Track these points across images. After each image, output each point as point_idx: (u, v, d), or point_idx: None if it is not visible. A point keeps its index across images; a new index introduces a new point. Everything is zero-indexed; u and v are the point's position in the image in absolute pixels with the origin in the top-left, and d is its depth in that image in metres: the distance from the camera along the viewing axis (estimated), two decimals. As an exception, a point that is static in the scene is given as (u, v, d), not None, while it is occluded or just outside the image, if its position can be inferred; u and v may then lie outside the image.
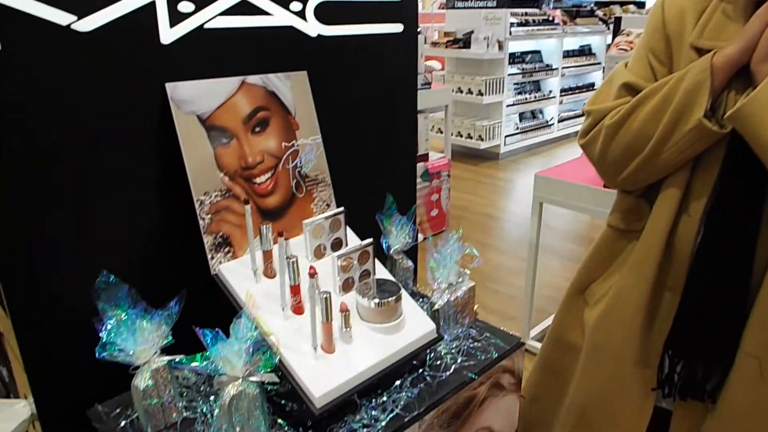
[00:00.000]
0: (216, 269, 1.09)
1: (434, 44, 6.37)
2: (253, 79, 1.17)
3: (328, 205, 1.28)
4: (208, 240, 1.08)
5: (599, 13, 7.25)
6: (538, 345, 2.84)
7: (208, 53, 1.13)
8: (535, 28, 6.31)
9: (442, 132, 5.58)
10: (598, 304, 1.23)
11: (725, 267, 1.02)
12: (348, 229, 1.24)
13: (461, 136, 6.34)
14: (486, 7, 6.09)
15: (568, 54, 6.95)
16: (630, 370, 1.17)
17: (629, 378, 1.18)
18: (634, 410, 1.19)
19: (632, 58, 1.15)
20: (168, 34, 1.07)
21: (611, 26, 7.23)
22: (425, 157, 4.10)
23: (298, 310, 1.05)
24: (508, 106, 6.32)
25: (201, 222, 1.08)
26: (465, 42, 6.08)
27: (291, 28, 1.23)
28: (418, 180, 4.02)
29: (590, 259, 1.28)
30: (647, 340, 1.15)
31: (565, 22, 6.73)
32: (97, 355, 0.89)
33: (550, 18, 6.57)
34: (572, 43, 7.06)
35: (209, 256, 1.08)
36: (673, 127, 1.00)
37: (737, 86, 0.98)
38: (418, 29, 4.72)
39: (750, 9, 0.96)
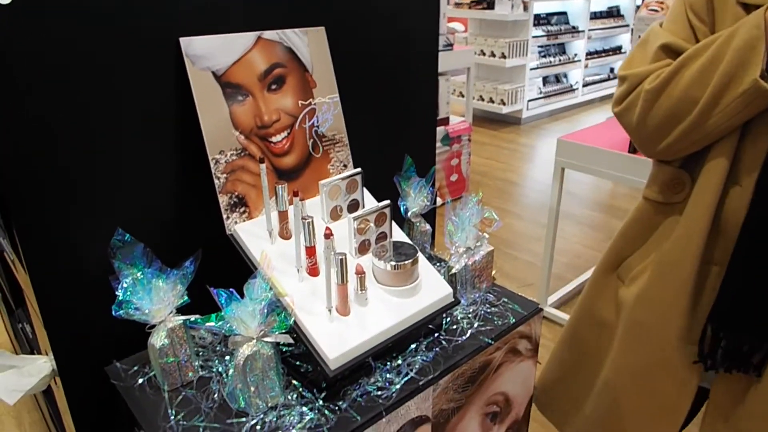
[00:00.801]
0: (231, 229, 1.08)
1: (457, 5, 6.21)
2: (269, 34, 1.14)
3: (345, 166, 1.25)
4: (223, 200, 1.07)
5: (629, -28, 6.98)
6: (556, 312, 2.82)
7: (223, 7, 1.09)
8: (563, -13, 6.11)
9: (463, 96, 5.49)
10: (637, 281, 1.18)
11: None
12: (365, 190, 1.21)
13: (483, 100, 6.22)
14: (512, -34, 5.89)
15: (595, 15, 6.73)
16: (674, 347, 1.13)
17: (673, 356, 1.14)
18: (678, 388, 1.16)
19: (668, 18, 1.07)
20: (182, -13, 1.03)
21: (642, -14, 7.01)
22: (446, 121, 4.04)
23: (313, 271, 1.04)
24: (531, 69, 6.17)
25: (216, 181, 1.06)
26: (489, 2, 5.91)
27: (309, -19, 1.19)
28: (438, 144, 3.97)
29: (624, 234, 1.23)
30: (692, 317, 1.11)
31: (593, -18, 6.50)
32: (113, 313, 0.89)
33: (580, -24, 6.35)
34: (600, 3, 6.82)
35: (224, 216, 1.07)
36: (724, 90, 0.94)
37: None
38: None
39: None
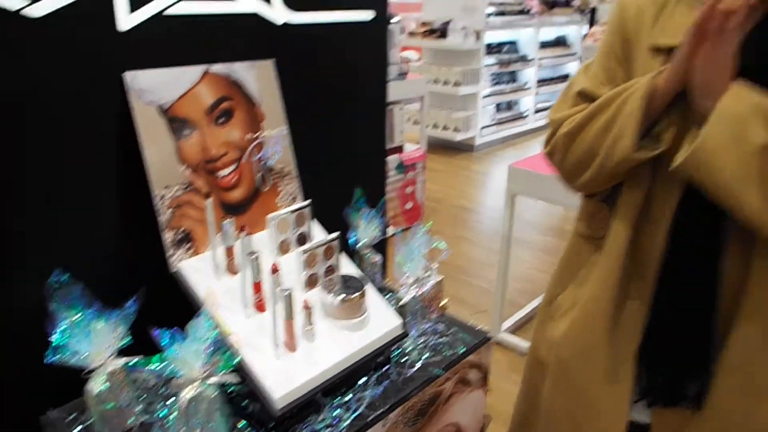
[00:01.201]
0: (176, 266, 1.05)
1: (411, 34, 6.33)
2: (217, 68, 1.14)
3: (295, 199, 1.25)
4: (168, 236, 1.05)
5: (576, 2, 7.27)
6: (510, 338, 2.85)
7: (170, 41, 1.09)
8: (512, 17, 6.31)
9: (417, 123, 5.56)
10: (564, 317, 1.16)
11: (692, 279, 0.98)
12: (315, 223, 1.21)
13: (437, 127, 6.32)
14: (463, -3, 6.06)
15: (544, 44, 6.97)
16: (598, 386, 1.10)
17: (598, 395, 1.10)
18: (606, 429, 1.11)
19: (594, 59, 1.11)
20: (126, 21, 1.03)
21: (587, 16, 7.29)
22: (400, 149, 4.08)
23: (260, 307, 1.02)
24: (484, 97, 6.32)
25: (160, 217, 1.04)
26: (442, 32, 6.05)
27: (256, 15, 1.19)
28: (393, 172, 4.00)
29: (558, 269, 1.23)
30: (615, 355, 1.08)
31: (542, 12, 6.74)
32: (46, 359, 0.85)
33: (527, 8, 6.57)
34: (548, 33, 7.07)
35: (169, 253, 1.05)
36: (611, 152, 0.97)
37: (677, 113, 0.94)
38: (397, 18, 4.67)
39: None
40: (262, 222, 1.17)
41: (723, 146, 0.83)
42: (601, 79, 1.06)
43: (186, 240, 1.08)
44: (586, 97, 1.07)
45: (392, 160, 3.96)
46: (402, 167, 4.09)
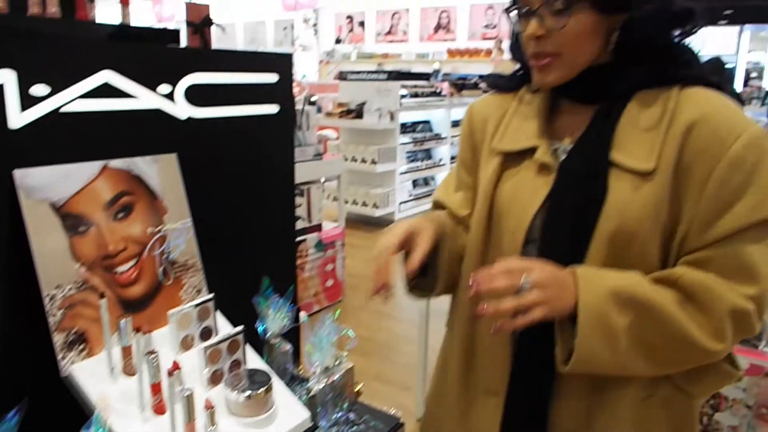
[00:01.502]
0: (67, 370, 1.00)
1: (328, 114, 6.51)
2: (116, 163, 1.13)
3: (199, 291, 1.23)
4: (58, 338, 1.00)
5: (482, 85, 7.78)
6: (433, 414, 2.82)
7: (66, 138, 1.07)
8: (425, 99, 6.64)
9: (337, 200, 5.63)
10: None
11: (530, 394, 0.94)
12: (220, 316, 1.19)
13: (356, 204, 6.42)
14: (377, 80, 6.34)
15: (455, 123, 7.35)
16: None
17: None
18: None
19: (456, 161, 1.14)
20: (18, 119, 1.01)
21: (493, 99, 7.80)
22: (319, 228, 4.10)
23: (159, 409, 0.98)
24: (401, 173, 6.51)
25: (51, 319, 0.99)
26: (358, 112, 6.27)
27: (159, 111, 1.21)
28: (312, 250, 3.99)
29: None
30: None
31: (452, 94, 7.15)
32: None
33: (438, 90, 6.95)
34: (459, 113, 7.48)
35: (59, 356, 0.99)
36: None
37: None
38: (314, 98, 4.78)
39: (546, 109, 0.96)
40: (164, 318, 1.14)
41: (596, 349, 0.81)
42: (453, 187, 1.11)
43: (79, 341, 1.03)
44: (438, 206, 1.12)
45: (311, 238, 3.96)
46: (321, 245, 4.10)
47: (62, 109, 1.05)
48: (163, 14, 14.29)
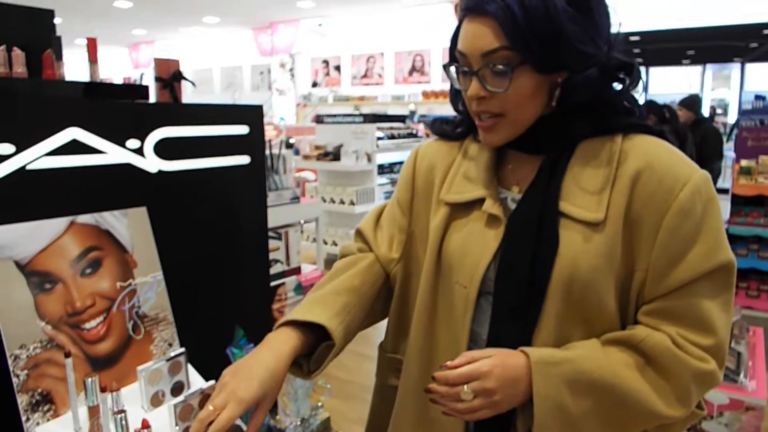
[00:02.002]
0: (31, 433, 0.97)
1: (306, 157, 6.56)
2: (84, 218, 1.12)
3: (171, 345, 1.21)
4: (22, 399, 0.97)
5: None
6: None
7: (32, 195, 1.07)
8: (401, 140, 6.73)
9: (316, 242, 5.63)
10: None
11: None
12: (192, 370, 1.17)
13: (336, 245, 6.41)
14: (353, 122, 6.43)
15: (432, 164, 7.43)
16: None
17: None
18: None
19: (390, 199, 1.10)
20: (-17, 177, 1.01)
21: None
22: (297, 271, 4.07)
23: (126, 471, 0.95)
24: (380, 213, 6.54)
25: (15, 379, 0.97)
26: (335, 155, 6.32)
27: (128, 165, 1.21)
28: (291, 294, 3.96)
29: None
30: None
31: (428, 135, 7.27)
32: None
33: (414, 131, 7.06)
34: (435, 154, 7.57)
35: (24, 418, 0.97)
36: None
37: None
38: (292, 140, 4.79)
39: (492, 158, 0.94)
40: (133, 374, 1.11)
41: None
42: (387, 220, 1.06)
43: (45, 401, 1.00)
44: (360, 236, 1.08)
45: (290, 281, 3.93)
46: (300, 289, 4.07)
47: (28, 167, 1.05)
48: (140, 60, 14.40)
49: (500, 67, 0.80)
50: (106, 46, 13.97)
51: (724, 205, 4.00)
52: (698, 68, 8.53)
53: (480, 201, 0.92)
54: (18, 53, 1.13)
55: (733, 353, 2.32)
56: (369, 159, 6.27)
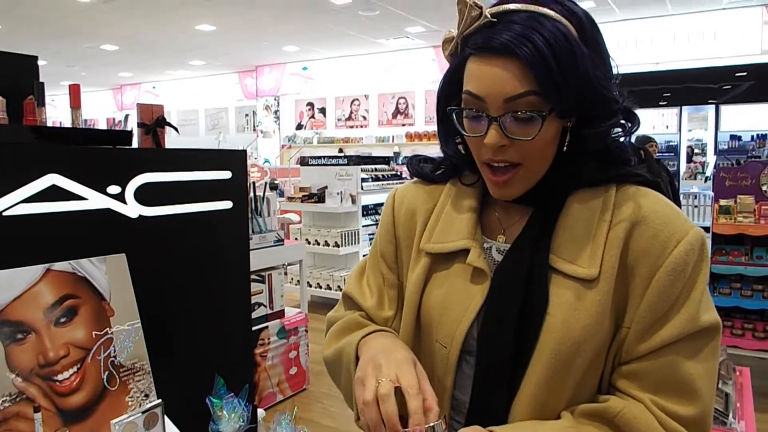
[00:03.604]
0: (-4, 493, 0.93)
1: (290, 198, 6.56)
2: (60, 265, 1.10)
3: (147, 396, 1.17)
4: (-11, 457, 0.93)
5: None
6: None
7: (8, 241, 1.05)
8: (386, 182, 6.77)
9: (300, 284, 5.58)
10: None
11: None
12: (168, 422, 1.13)
13: (320, 287, 6.36)
14: (338, 164, 6.47)
15: (416, 205, 7.47)
16: None
17: None
18: None
19: (371, 251, 1.03)
20: (-43, 225, 0.99)
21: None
22: (281, 314, 4.02)
23: None
24: (363, 255, 6.51)
25: (-19, 436, 0.93)
26: (320, 196, 6.33)
27: (108, 210, 1.20)
28: (275, 338, 3.89)
29: None
30: None
31: (411, 176, 7.33)
32: None
33: (398, 173, 7.11)
34: (420, 194, 7.62)
35: (-11, 478, 0.92)
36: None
37: None
38: (276, 182, 4.79)
39: (477, 205, 0.89)
40: (108, 427, 1.07)
41: None
42: (370, 287, 0.98)
43: (12, 460, 0.96)
44: (350, 300, 1.00)
45: (273, 325, 3.87)
46: (284, 332, 4.01)
47: (5, 213, 1.04)
48: (125, 102, 14.48)
49: (528, 113, 0.74)
50: (91, 87, 14.05)
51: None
52: (675, 110, 8.76)
53: (464, 252, 0.86)
54: (-1, 100, 1.13)
55: (721, 394, 2.31)
56: (353, 200, 6.29)
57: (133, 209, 1.23)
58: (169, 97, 13.50)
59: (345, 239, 6.16)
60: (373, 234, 6.76)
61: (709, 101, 8.55)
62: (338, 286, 6.24)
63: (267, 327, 3.80)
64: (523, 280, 0.80)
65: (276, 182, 7.81)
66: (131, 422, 1.05)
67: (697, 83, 8.25)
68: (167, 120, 1.41)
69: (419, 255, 0.91)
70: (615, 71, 0.81)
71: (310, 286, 6.30)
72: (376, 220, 6.75)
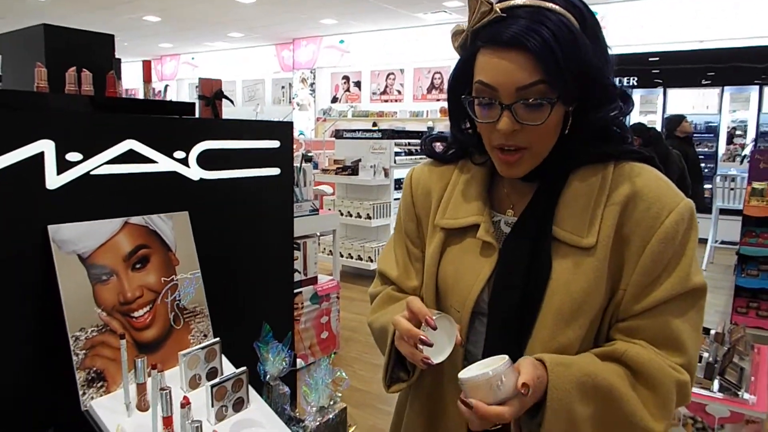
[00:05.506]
0: (87, 405, 1.11)
1: (325, 171, 6.72)
2: (136, 219, 1.27)
3: (206, 336, 1.35)
4: (80, 376, 1.11)
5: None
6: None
7: (94, 197, 1.22)
8: (418, 157, 6.87)
9: (332, 254, 5.78)
10: None
11: None
12: (224, 358, 1.30)
13: (351, 257, 6.54)
14: (372, 138, 6.59)
15: (448, 180, 7.54)
16: None
17: None
18: None
19: (395, 228, 1.11)
20: (54, 181, 1.16)
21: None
22: (314, 280, 4.20)
23: (170, 441, 1.08)
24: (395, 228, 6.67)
25: (75, 358, 1.11)
26: (353, 169, 6.48)
27: (175, 173, 1.36)
28: (308, 303, 4.09)
29: None
30: None
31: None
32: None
33: (431, 148, 7.20)
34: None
35: (80, 392, 1.11)
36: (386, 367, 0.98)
37: None
38: (311, 154, 4.94)
39: (486, 182, 0.97)
40: (174, 359, 1.25)
41: None
42: (400, 257, 1.07)
43: (98, 379, 1.14)
44: (384, 277, 1.10)
45: (307, 291, 4.06)
46: (316, 298, 4.20)
47: (92, 173, 1.20)
48: (164, 73, 14.78)
49: (538, 101, 0.81)
50: (132, 57, 14.39)
51: (734, 225, 4.06)
52: (716, 90, 8.56)
53: (474, 227, 0.95)
54: (86, 74, 1.29)
55: (735, 368, 2.40)
56: (386, 174, 6.41)
57: (195, 172, 1.39)
58: (207, 69, 13.73)
59: (377, 211, 6.32)
60: (404, 207, 6.89)
61: (754, 82, 8.34)
62: (369, 257, 6.41)
63: (301, 292, 3.99)
64: (527, 251, 0.90)
65: (310, 154, 7.97)
66: (194, 355, 1.23)
67: (741, 63, 8.04)
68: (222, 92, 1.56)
69: (435, 230, 1.00)
70: (611, 58, 0.88)
71: (342, 256, 6.48)
72: (408, 194, 6.88)
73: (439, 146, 1.07)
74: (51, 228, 1.14)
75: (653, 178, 0.89)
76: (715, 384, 2.27)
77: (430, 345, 0.85)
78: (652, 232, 0.85)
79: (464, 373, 0.81)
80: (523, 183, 0.94)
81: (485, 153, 0.95)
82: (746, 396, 2.26)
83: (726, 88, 8.51)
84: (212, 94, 1.42)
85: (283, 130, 1.59)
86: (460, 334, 0.90)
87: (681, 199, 0.87)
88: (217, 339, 1.27)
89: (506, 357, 0.80)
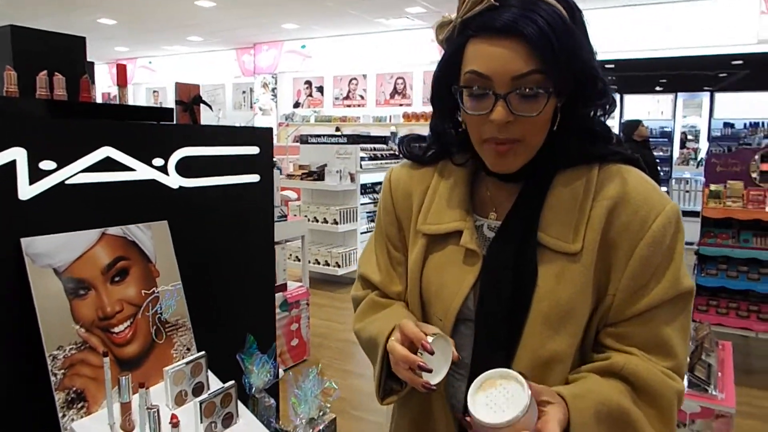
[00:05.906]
0: (67, 427, 1.05)
1: (290, 176, 6.65)
2: (113, 230, 1.21)
3: (189, 350, 1.30)
4: (59, 396, 1.05)
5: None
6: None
7: (69, 208, 1.16)
8: (384, 161, 6.87)
9: (300, 261, 5.71)
10: None
11: None
12: (209, 372, 1.26)
13: (319, 263, 6.49)
14: (337, 143, 6.56)
15: (413, 185, 7.56)
16: None
17: None
18: None
19: (375, 230, 1.08)
20: (26, 191, 1.10)
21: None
22: (284, 287, 4.15)
23: (158, 462, 1.03)
24: (362, 233, 6.65)
25: (53, 378, 1.05)
26: (319, 174, 6.43)
27: (153, 181, 1.31)
28: (277, 311, 4.03)
29: None
30: None
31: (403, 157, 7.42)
32: None
33: (396, 152, 7.20)
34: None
35: (60, 414, 1.05)
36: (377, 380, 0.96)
37: None
38: (275, 159, 4.91)
39: (468, 185, 0.95)
40: (156, 375, 1.20)
41: None
42: (379, 265, 1.05)
43: (79, 399, 1.08)
44: (366, 281, 1.07)
45: (276, 298, 4.00)
46: (286, 305, 4.14)
47: (67, 182, 1.15)
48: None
49: (534, 90, 0.79)
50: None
51: (695, 227, 4.20)
52: (670, 96, 8.86)
53: (457, 233, 0.92)
54: (59, 78, 1.22)
55: (704, 365, 2.47)
56: (352, 179, 6.39)
57: (174, 180, 1.34)
58: (165, 73, 13.44)
59: (343, 216, 6.28)
60: (370, 212, 6.88)
61: (705, 88, 8.66)
62: (336, 263, 6.37)
63: (271, 300, 3.94)
64: (512, 258, 0.87)
65: (275, 160, 7.87)
66: (180, 370, 1.18)
67: (693, 70, 8.34)
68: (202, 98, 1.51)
69: (417, 235, 0.97)
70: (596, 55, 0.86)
71: (309, 262, 6.42)
72: (374, 199, 6.86)
73: (417, 147, 1.04)
74: (24, 241, 1.08)
75: (640, 180, 0.88)
76: (685, 380, 2.33)
77: (429, 371, 0.83)
78: (640, 236, 0.84)
79: (481, 414, 0.74)
80: (506, 184, 0.91)
81: (466, 152, 0.94)
82: (715, 392, 2.32)
83: (679, 94, 8.82)
84: (190, 99, 1.38)
85: (262, 135, 1.55)
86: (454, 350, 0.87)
87: (667, 202, 0.86)
88: (203, 353, 1.23)
89: (524, 384, 0.74)
